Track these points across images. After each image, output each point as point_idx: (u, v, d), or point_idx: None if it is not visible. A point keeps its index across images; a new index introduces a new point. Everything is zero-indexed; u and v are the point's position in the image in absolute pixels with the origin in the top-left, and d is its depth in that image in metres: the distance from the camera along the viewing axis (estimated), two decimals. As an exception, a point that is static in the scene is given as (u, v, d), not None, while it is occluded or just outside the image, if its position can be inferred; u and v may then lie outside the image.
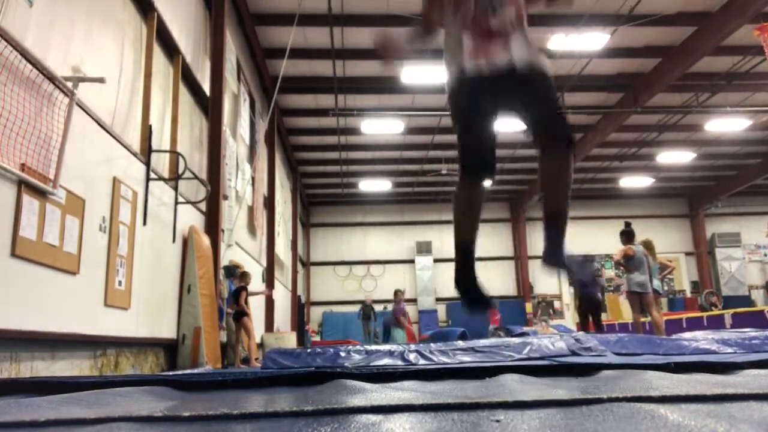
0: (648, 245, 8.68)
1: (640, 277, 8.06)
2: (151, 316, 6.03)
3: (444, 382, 1.48)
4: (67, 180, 4.28)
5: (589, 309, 9.03)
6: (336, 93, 11.93)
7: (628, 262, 8.02)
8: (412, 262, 21.23)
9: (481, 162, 2.39)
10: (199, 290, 6.92)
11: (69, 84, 4.24)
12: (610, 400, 0.87)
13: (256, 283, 10.65)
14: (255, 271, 11.53)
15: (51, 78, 4.06)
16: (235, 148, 9.77)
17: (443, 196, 20.93)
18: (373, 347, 5.07)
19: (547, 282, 20.94)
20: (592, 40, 10.82)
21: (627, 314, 10.64)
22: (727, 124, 14.88)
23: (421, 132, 15.07)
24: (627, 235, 8.19)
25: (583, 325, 8.87)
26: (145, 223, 5.88)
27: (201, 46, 8.27)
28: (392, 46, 2.54)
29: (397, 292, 13.55)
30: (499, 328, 15.13)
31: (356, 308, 19.37)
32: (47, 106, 4.08)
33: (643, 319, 9.96)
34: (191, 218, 7.39)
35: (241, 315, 8.41)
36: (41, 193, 3.99)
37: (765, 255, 19.78)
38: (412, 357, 5.06)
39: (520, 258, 21.31)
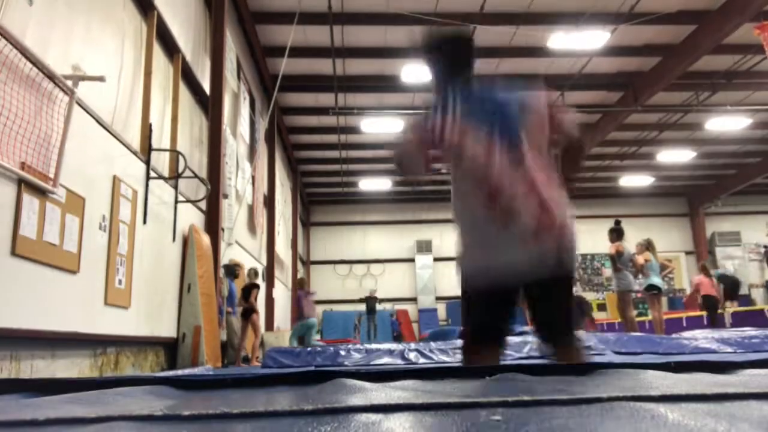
0: (649, 245, 8.71)
1: (631, 276, 8.10)
2: (151, 314, 6.03)
3: (444, 381, 1.48)
4: (67, 178, 4.28)
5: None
6: (336, 91, 11.93)
7: (619, 259, 8.05)
8: (412, 260, 21.25)
9: (490, 333, 2.20)
10: (199, 289, 6.93)
11: (69, 82, 4.24)
12: (610, 399, 0.87)
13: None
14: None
15: (51, 76, 4.06)
16: (235, 146, 9.77)
17: (443, 194, 20.94)
18: (373, 346, 5.08)
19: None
20: (593, 39, 10.82)
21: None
22: (728, 123, 14.88)
23: (421, 131, 15.04)
24: (617, 233, 8.20)
25: None
26: (145, 221, 5.88)
27: (201, 45, 8.27)
28: (411, 162, 2.33)
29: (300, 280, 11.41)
30: None
31: (356, 307, 19.41)
32: (47, 105, 4.08)
33: (641, 318, 9.97)
34: (191, 217, 7.40)
35: (250, 312, 8.50)
36: (41, 192, 3.99)
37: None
38: (412, 356, 5.07)
39: (520, 257, 21.31)
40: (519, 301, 2.22)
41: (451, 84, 2.29)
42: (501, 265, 2.08)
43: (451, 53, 2.31)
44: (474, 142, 2.14)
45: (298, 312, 10.79)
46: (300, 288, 10.89)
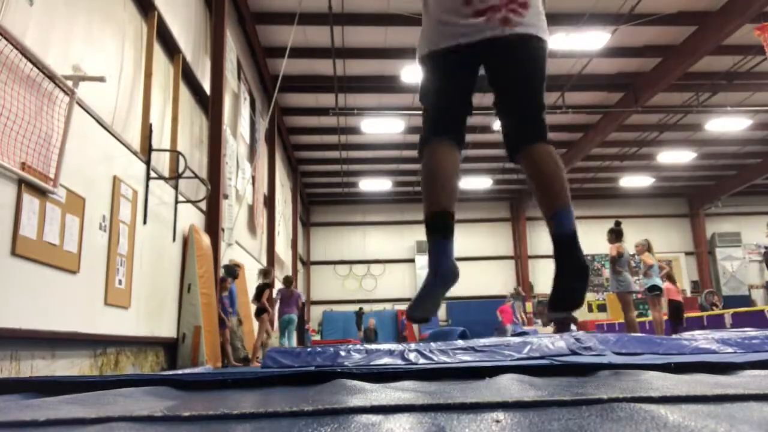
0: (649, 246, 8.71)
1: (631, 277, 8.10)
2: (151, 314, 6.03)
3: (444, 382, 1.48)
4: (67, 179, 4.28)
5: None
6: (336, 92, 11.94)
7: (619, 261, 8.04)
8: (412, 261, 21.24)
9: (447, 125, 2.07)
10: (199, 289, 6.93)
11: (69, 83, 4.24)
12: (611, 400, 0.87)
13: (255, 282, 10.65)
14: (256, 270, 11.53)
15: (51, 77, 4.06)
16: (236, 147, 9.77)
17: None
18: (373, 347, 5.07)
19: (548, 281, 20.96)
20: (593, 40, 10.82)
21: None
22: (728, 124, 14.89)
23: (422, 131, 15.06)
24: (616, 234, 8.18)
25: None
26: (145, 222, 5.88)
27: (201, 45, 8.27)
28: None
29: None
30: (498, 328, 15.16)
31: (357, 308, 19.45)
32: (48, 105, 4.08)
33: (641, 319, 10.02)
34: (191, 217, 7.40)
35: (262, 312, 8.67)
36: (41, 192, 3.99)
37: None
38: (412, 356, 5.06)
39: (520, 257, 21.32)
40: (475, 78, 2.05)
41: None
42: (452, 24, 1.96)
43: None
44: None
45: (279, 309, 10.33)
46: (286, 285, 10.57)
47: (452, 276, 1.94)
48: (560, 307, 1.89)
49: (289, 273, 16.64)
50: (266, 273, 9.36)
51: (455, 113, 2.08)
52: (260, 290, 8.82)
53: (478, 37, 1.93)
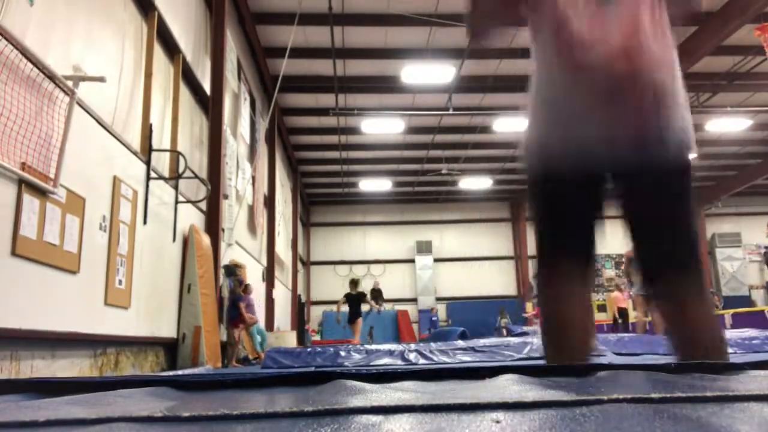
0: None
1: None
2: (151, 315, 6.03)
3: (444, 382, 1.48)
4: (67, 179, 4.28)
5: None
6: (336, 92, 11.94)
7: (630, 264, 8.09)
8: (412, 261, 21.26)
9: (570, 247, 1.64)
10: (199, 289, 6.93)
11: (69, 83, 4.25)
12: (611, 401, 0.87)
13: (256, 282, 10.67)
14: (255, 271, 11.54)
15: (51, 77, 4.06)
16: (236, 147, 9.77)
17: (443, 195, 20.96)
18: (373, 347, 5.08)
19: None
20: (593, 40, 10.81)
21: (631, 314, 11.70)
22: (728, 124, 14.88)
23: (422, 131, 15.07)
24: None
25: None
26: (145, 222, 5.88)
27: (201, 45, 8.27)
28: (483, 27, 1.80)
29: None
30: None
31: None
32: (48, 105, 4.09)
33: (645, 319, 10.08)
34: (191, 217, 7.40)
35: (357, 317, 10.22)
36: (41, 192, 4.00)
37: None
38: (412, 357, 5.07)
39: (520, 258, 21.32)
40: (603, 200, 1.66)
41: None
42: (579, 140, 1.53)
43: None
44: None
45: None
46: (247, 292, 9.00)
47: None
48: None
49: (290, 273, 16.63)
50: (355, 283, 10.51)
51: (581, 235, 1.65)
52: (361, 299, 10.29)
53: (601, 157, 1.52)
